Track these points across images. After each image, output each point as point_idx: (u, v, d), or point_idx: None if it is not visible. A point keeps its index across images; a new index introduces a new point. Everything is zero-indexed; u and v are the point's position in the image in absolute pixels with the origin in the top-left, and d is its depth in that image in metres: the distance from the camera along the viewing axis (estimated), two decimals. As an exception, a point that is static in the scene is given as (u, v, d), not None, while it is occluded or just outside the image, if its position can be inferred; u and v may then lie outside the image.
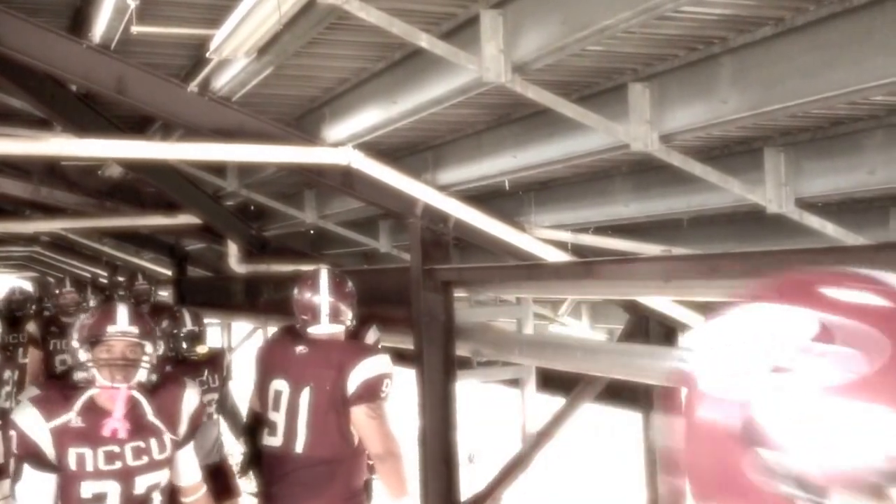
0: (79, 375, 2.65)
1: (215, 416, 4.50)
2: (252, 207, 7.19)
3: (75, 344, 2.67)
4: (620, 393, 4.63)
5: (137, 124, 5.32)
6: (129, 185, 7.04)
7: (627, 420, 4.84)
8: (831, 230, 3.25)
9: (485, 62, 2.96)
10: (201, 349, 4.40)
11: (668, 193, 4.01)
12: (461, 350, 4.61)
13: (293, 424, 3.19)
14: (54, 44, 3.74)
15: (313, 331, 3.36)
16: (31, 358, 5.66)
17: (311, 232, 7.24)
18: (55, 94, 4.70)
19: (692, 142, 3.56)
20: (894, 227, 3.48)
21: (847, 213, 3.59)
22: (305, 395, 3.19)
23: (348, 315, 3.42)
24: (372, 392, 3.19)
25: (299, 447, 3.19)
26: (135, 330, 2.68)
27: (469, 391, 4.83)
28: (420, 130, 4.49)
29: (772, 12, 2.72)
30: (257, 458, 3.41)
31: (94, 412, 2.64)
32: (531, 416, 4.80)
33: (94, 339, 2.65)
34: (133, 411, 2.67)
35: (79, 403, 2.61)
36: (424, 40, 2.96)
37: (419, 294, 4.58)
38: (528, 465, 4.74)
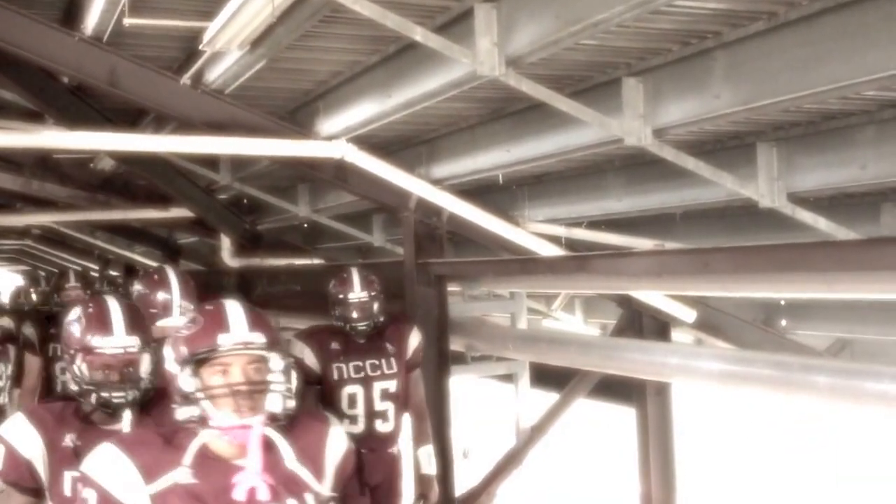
0: (183, 413, 1.82)
1: None
2: (245, 201, 7.18)
3: (173, 368, 1.86)
4: (614, 388, 4.65)
5: (130, 117, 5.30)
6: (121, 178, 7.02)
7: (623, 415, 4.85)
8: (823, 225, 3.26)
9: (479, 56, 2.96)
10: None
11: (661, 188, 4.02)
12: (455, 345, 4.61)
13: None
14: (46, 36, 3.73)
15: (163, 324, 3.27)
16: (27, 366, 4.77)
17: (305, 226, 7.23)
18: (47, 86, 4.68)
19: (685, 136, 3.57)
20: (885, 222, 3.50)
21: (839, 207, 3.61)
22: None
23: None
24: None
25: None
26: (258, 338, 1.82)
27: (463, 387, 4.83)
28: (414, 124, 4.49)
29: (765, 7, 2.73)
30: None
31: (212, 464, 1.81)
32: (525, 411, 4.81)
33: (201, 358, 1.81)
34: (267, 458, 1.81)
35: (190, 453, 1.79)
36: (418, 34, 2.96)
37: (413, 288, 4.58)
38: (522, 461, 4.76)
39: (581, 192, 4.60)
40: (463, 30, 3.09)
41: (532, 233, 4.57)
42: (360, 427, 3.76)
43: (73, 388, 2.27)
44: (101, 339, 2.24)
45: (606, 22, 2.66)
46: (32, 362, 4.80)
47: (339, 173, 4.45)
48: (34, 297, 5.91)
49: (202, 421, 1.80)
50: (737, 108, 2.96)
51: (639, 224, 4.56)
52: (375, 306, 3.79)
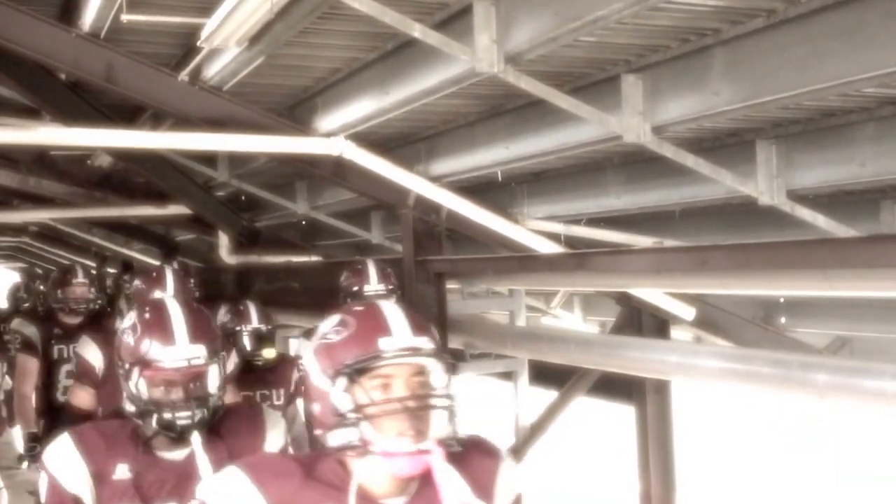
0: (338, 437, 1.43)
1: None
2: (243, 198, 7.16)
3: (321, 382, 1.45)
4: (613, 386, 4.64)
5: (127, 113, 5.29)
6: (118, 175, 7.00)
7: (622, 413, 4.85)
8: (822, 222, 3.26)
9: (478, 52, 2.95)
10: (269, 353, 3.63)
11: (660, 185, 4.01)
12: (453, 343, 4.60)
13: None
14: (43, 31, 3.72)
15: None
16: (24, 367, 4.40)
17: (303, 223, 7.22)
18: (44, 82, 4.66)
19: (684, 133, 3.56)
20: (885, 220, 3.49)
21: (838, 205, 3.60)
22: None
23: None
24: None
25: None
26: (425, 343, 1.45)
27: (462, 384, 4.82)
28: (412, 121, 4.48)
29: (764, 3, 2.72)
30: None
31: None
32: (524, 409, 4.80)
33: (360, 368, 1.42)
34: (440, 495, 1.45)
35: (353, 492, 1.43)
36: (417, 30, 2.95)
37: (411, 286, 4.57)
38: (521, 459, 4.75)
39: (580, 190, 4.59)
40: (462, 26, 3.08)
41: (531, 230, 4.56)
42: None
43: (130, 408, 1.92)
44: (160, 351, 1.89)
45: (605, 18, 2.65)
46: (31, 364, 4.40)
47: (338, 170, 4.44)
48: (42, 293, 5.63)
49: (362, 447, 1.40)
50: (736, 106, 2.96)
51: (638, 221, 4.56)
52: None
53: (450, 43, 2.98)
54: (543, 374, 4.91)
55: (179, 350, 1.89)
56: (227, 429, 1.95)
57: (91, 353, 3.39)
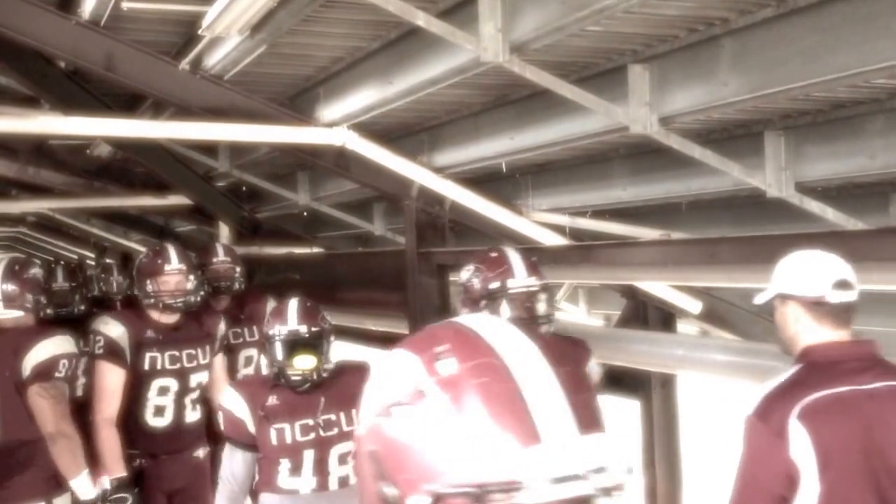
0: None
1: None
2: (244, 188, 7.13)
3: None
4: (618, 380, 4.62)
5: (127, 103, 5.25)
6: (118, 165, 6.97)
7: (627, 407, 4.83)
8: (831, 215, 3.23)
9: (483, 42, 2.92)
10: (303, 362, 2.75)
11: (666, 177, 3.98)
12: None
13: None
14: (42, 19, 3.68)
15: None
16: (107, 382, 3.42)
17: (305, 214, 7.19)
18: (43, 70, 4.63)
19: (692, 125, 3.53)
20: (894, 213, 3.46)
21: (847, 197, 3.57)
22: None
23: (27, 299, 3.30)
24: (44, 373, 3.15)
25: None
26: None
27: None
28: (416, 111, 4.44)
29: (775, -8, 2.68)
30: None
31: None
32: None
33: None
34: None
35: None
36: (421, 19, 2.91)
37: (414, 278, 4.55)
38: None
39: (586, 181, 4.56)
40: (466, 15, 3.04)
41: (536, 222, 4.53)
42: None
43: None
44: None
45: (612, 8, 2.61)
46: (116, 377, 3.37)
47: (340, 161, 4.41)
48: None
49: None
50: (744, 97, 2.93)
51: (644, 213, 4.53)
52: (543, 305, 2.51)
53: (454, 32, 2.94)
54: (547, 367, 4.88)
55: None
56: None
57: None
